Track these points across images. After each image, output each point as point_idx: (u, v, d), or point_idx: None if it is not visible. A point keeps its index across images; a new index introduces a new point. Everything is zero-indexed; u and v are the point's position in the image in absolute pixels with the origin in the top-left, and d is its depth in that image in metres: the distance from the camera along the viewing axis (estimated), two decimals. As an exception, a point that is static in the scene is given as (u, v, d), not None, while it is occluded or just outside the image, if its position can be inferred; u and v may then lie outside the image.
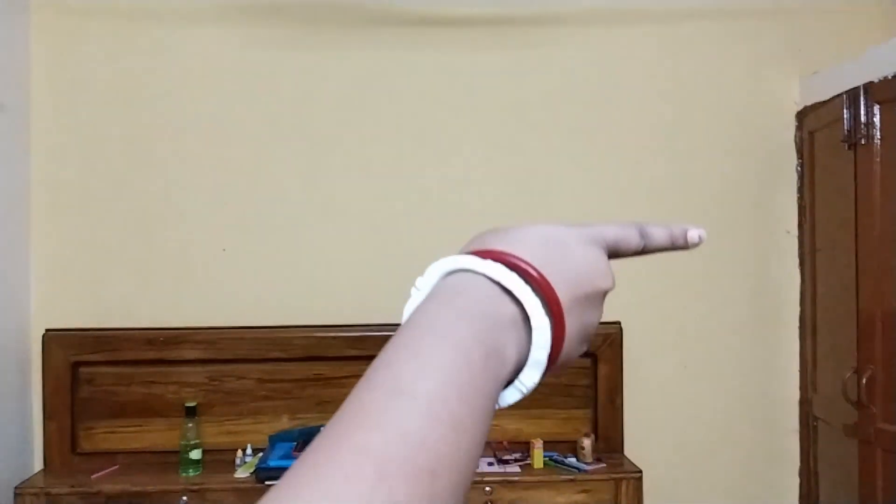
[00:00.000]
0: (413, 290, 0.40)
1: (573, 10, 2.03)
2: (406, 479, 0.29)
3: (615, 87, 2.04)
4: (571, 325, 0.40)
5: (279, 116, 2.01)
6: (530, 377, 0.38)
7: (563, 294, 0.39)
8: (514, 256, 0.38)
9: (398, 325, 0.36)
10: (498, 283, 0.37)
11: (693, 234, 0.48)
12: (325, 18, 2.00)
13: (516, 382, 0.38)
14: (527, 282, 0.38)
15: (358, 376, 0.32)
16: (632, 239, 0.45)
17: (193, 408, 1.87)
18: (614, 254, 0.45)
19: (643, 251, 0.46)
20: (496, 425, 1.96)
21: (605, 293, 0.42)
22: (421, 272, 0.40)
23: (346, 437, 0.30)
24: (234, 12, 1.99)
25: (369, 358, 0.32)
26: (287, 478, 0.29)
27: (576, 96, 2.04)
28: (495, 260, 0.38)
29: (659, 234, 0.47)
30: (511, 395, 0.38)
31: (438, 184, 2.01)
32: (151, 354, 1.93)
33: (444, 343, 0.34)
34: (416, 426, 0.30)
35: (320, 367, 1.94)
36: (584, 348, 0.43)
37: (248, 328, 1.96)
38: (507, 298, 0.37)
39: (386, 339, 0.33)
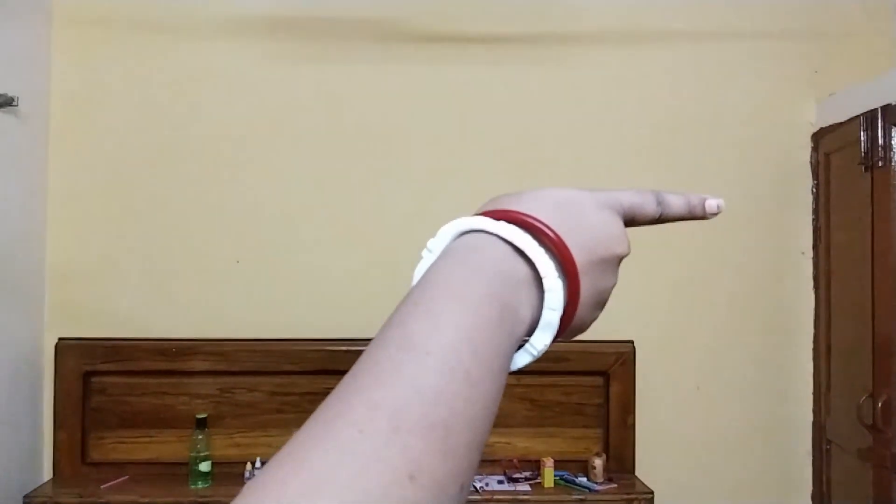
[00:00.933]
0: (424, 252, 0.39)
1: (587, 29, 2.03)
2: (421, 433, 0.29)
3: (631, 106, 2.04)
4: (586, 289, 0.39)
5: (295, 131, 2.02)
6: (541, 339, 0.37)
7: (578, 256, 0.38)
8: (528, 216, 0.38)
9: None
10: (511, 244, 0.36)
11: (712, 204, 0.46)
12: (337, 34, 2.01)
13: (527, 346, 0.37)
14: (541, 243, 0.37)
15: (370, 390, 0.31)
16: (648, 206, 0.44)
17: (204, 419, 1.87)
18: (630, 221, 0.43)
19: (660, 219, 0.45)
20: (506, 443, 1.95)
21: (620, 258, 0.41)
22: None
23: (359, 392, 0.30)
24: (248, 27, 2.01)
25: (381, 371, 0.30)
26: (299, 435, 0.28)
27: (588, 116, 2.04)
28: (509, 221, 0.37)
29: (676, 203, 0.46)
30: (522, 359, 0.37)
31: (451, 200, 2.01)
32: (163, 365, 1.93)
33: (457, 300, 0.33)
34: (431, 382, 0.30)
35: (332, 381, 1.88)
36: (598, 314, 0.42)
37: (260, 341, 1.96)
38: (520, 258, 0.36)
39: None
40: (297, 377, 1.95)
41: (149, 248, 2.00)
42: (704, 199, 0.46)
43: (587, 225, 0.40)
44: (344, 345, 1.93)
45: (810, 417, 2.05)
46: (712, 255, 2.01)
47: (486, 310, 0.33)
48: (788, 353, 2.06)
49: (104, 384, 1.94)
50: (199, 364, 1.94)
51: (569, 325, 0.38)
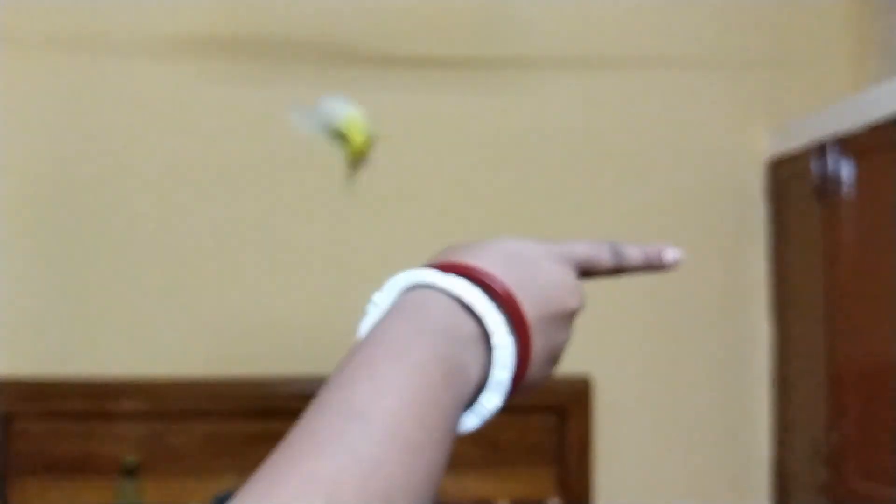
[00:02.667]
0: (370, 306, 0.38)
1: (537, 55, 2.02)
2: None
3: (584, 134, 2.03)
4: (538, 345, 0.38)
5: (233, 157, 1.94)
6: (491, 400, 0.36)
7: (530, 311, 0.37)
8: (477, 270, 0.36)
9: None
10: (459, 299, 0.35)
11: (669, 255, 0.47)
12: (283, 56, 1.96)
13: (476, 406, 0.36)
14: (490, 298, 0.36)
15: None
16: (604, 258, 0.44)
17: (133, 466, 1.76)
18: (586, 273, 0.43)
19: (616, 271, 0.45)
20: (460, 486, 1.88)
21: (574, 313, 0.41)
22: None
23: (296, 463, 0.29)
24: (188, 46, 1.94)
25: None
26: None
27: (544, 144, 2.02)
28: (458, 274, 0.36)
29: (633, 254, 0.45)
30: (471, 420, 0.36)
31: (404, 227, 1.96)
32: (88, 407, 1.82)
33: (401, 362, 0.32)
34: (370, 451, 0.29)
35: (272, 423, 1.82)
36: (552, 370, 0.41)
37: (195, 380, 1.86)
38: (469, 315, 0.35)
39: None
40: (234, 419, 1.86)
41: (73, 281, 1.89)
42: (662, 250, 0.47)
43: (539, 278, 0.39)
44: (284, 384, 1.84)
45: (768, 453, 2.03)
46: (667, 287, 1.98)
47: (432, 371, 0.32)
48: (747, 387, 2.05)
49: (23, 428, 1.82)
50: (128, 405, 1.83)
51: (520, 383, 0.37)
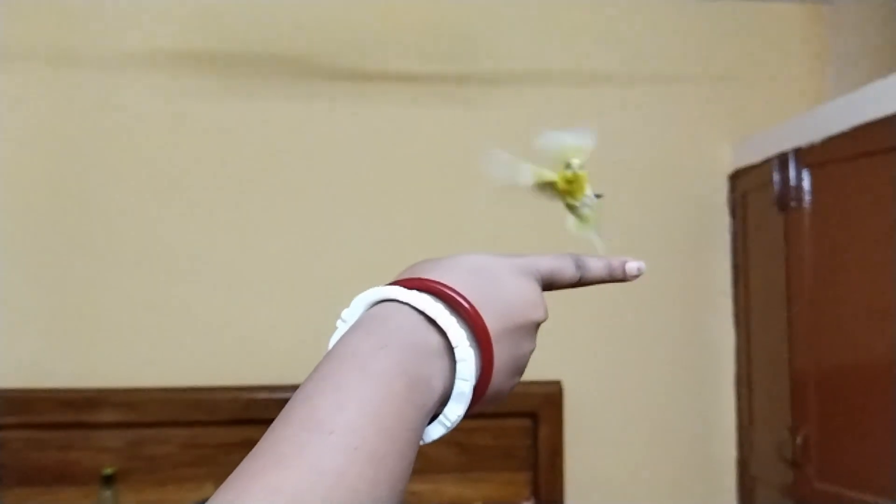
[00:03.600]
0: (338, 322, 0.39)
1: (501, 70, 2.05)
2: None
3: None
4: (501, 357, 0.38)
5: (208, 168, 1.96)
6: (454, 410, 0.36)
7: (493, 324, 0.38)
8: (441, 284, 0.37)
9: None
10: (423, 313, 0.36)
11: (632, 266, 0.48)
12: (254, 70, 1.97)
13: (440, 417, 0.37)
14: (453, 311, 0.37)
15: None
16: (567, 270, 0.44)
17: (111, 475, 1.76)
18: (549, 285, 0.44)
19: (580, 283, 0.46)
20: (434, 490, 1.90)
21: (537, 324, 0.42)
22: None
23: (259, 476, 0.29)
24: (161, 61, 1.95)
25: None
26: None
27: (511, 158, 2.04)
28: (421, 289, 0.37)
29: (596, 266, 0.46)
30: (435, 430, 0.37)
31: (375, 240, 1.98)
32: (68, 417, 1.81)
33: (364, 374, 0.32)
34: (333, 463, 0.29)
35: (249, 431, 1.83)
36: (516, 381, 0.41)
37: (172, 389, 1.86)
38: (432, 328, 0.36)
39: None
40: (213, 428, 1.85)
41: (51, 291, 1.89)
42: (625, 262, 0.48)
43: (502, 291, 0.39)
44: (263, 392, 1.85)
45: (734, 454, 2.07)
46: (635, 295, 2.02)
47: (395, 383, 0.33)
48: (713, 390, 2.09)
49: (3, 439, 1.81)
50: (106, 416, 1.83)
51: (484, 394, 0.38)
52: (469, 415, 0.38)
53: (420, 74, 2.02)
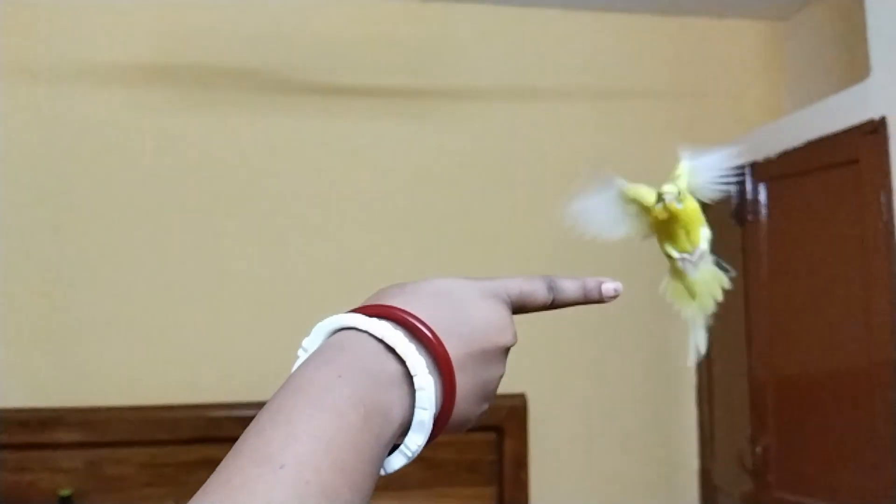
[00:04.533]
0: (300, 352, 0.38)
1: (469, 85, 2.06)
2: None
3: (511, 163, 2.07)
4: (465, 383, 0.37)
5: (166, 182, 1.93)
6: (415, 440, 0.35)
7: (456, 350, 0.37)
8: (402, 311, 0.36)
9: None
10: (381, 341, 0.35)
11: (609, 287, 0.47)
12: (220, 84, 1.96)
13: (402, 446, 0.36)
14: (414, 338, 0.36)
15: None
16: (538, 293, 0.43)
17: (69, 497, 1.72)
18: (520, 308, 0.43)
19: (553, 305, 0.44)
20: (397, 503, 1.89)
21: (505, 349, 0.40)
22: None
23: None
24: (133, 76, 1.92)
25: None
26: None
27: (473, 172, 2.05)
28: (381, 316, 0.36)
29: (571, 287, 0.45)
30: (397, 460, 0.36)
31: (338, 255, 1.97)
32: (23, 437, 1.76)
33: (318, 406, 0.31)
34: (284, 497, 0.28)
35: (211, 449, 1.80)
36: (485, 406, 0.40)
37: (131, 408, 1.83)
38: (391, 356, 0.35)
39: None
40: (173, 447, 1.82)
41: (8, 311, 1.84)
42: (601, 283, 0.47)
43: (467, 316, 0.38)
44: (224, 410, 1.82)
45: (697, 464, 2.10)
46: (598, 308, 2.01)
47: (350, 414, 0.32)
48: (673, 401, 2.11)
49: (-47, 461, 1.75)
50: (63, 435, 1.78)
51: (447, 421, 0.37)
52: (433, 440, 0.37)
53: (390, 89, 2.02)
